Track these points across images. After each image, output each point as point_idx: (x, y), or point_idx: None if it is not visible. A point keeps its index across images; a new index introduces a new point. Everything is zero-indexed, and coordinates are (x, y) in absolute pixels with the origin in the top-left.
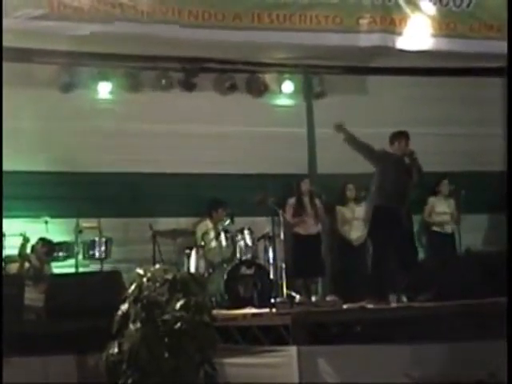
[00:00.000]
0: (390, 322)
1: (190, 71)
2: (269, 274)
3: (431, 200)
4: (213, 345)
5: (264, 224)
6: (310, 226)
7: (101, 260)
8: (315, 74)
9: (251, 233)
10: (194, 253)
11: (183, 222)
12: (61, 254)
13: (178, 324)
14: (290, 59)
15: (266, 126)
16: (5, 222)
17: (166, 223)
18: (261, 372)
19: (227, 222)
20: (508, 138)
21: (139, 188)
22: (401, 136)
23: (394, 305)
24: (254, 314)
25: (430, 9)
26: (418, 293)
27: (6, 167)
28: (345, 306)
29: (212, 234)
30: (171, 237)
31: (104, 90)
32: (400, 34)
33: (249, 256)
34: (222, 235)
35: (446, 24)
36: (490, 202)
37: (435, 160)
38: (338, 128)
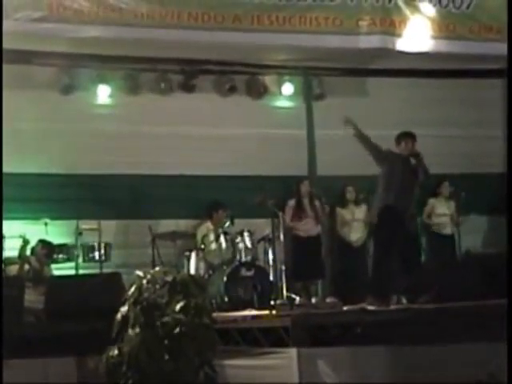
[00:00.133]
0: (389, 323)
1: (190, 73)
2: (269, 276)
3: (431, 202)
4: (213, 347)
5: (264, 226)
6: (310, 228)
7: (100, 262)
8: (315, 75)
9: (251, 235)
10: (193, 255)
11: (183, 224)
12: (61, 255)
13: (178, 326)
14: (289, 61)
15: (266, 127)
16: (5, 223)
17: (165, 225)
18: (261, 374)
19: (227, 223)
20: (508, 139)
21: (139, 190)
22: (407, 137)
23: (393, 306)
24: (253, 316)
25: (430, 10)
26: (418, 294)
27: (5, 169)
28: (345, 308)
29: (212, 236)
30: (171, 239)
31: (104, 92)
32: (400, 35)
33: (249, 258)
34: (222, 237)
35: (446, 26)
36: (490, 204)
37: (435, 161)
38: (347, 122)
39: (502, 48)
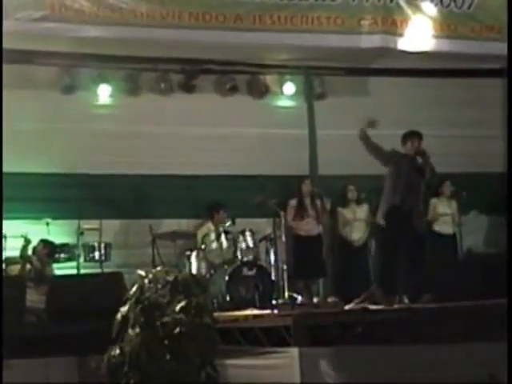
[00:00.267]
0: (391, 323)
1: (190, 73)
2: (270, 276)
3: (433, 201)
4: (214, 346)
5: (265, 225)
6: (312, 228)
7: (101, 262)
8: (316, 75)
9: (252, 234)
10: (194, 255)
11: (184, 224)
12: (62, 255)
13: (179, 326)
14: (291, 60)
15: (267, 127)
16: (6, 223)
17: (166, 225)
18: (262, 373)
19: (228, 223)
20: (508, 139)
21: (140, 190)
22: (414, 136)
23: (395, 306)
24: (255, 316)
25: (431, 10)
26: (420, 294)
27: (6, 169)
28: (346, 307)
29: (213, 236)
30: (171, 239)
31: (105, 92)
32: (401, 35)
33: (250, 257)
34: (223, 236)
35: (447, 25)
36: (491, 204)
37: (436, 161)
38: (370, 123)
39: (503, 48)
